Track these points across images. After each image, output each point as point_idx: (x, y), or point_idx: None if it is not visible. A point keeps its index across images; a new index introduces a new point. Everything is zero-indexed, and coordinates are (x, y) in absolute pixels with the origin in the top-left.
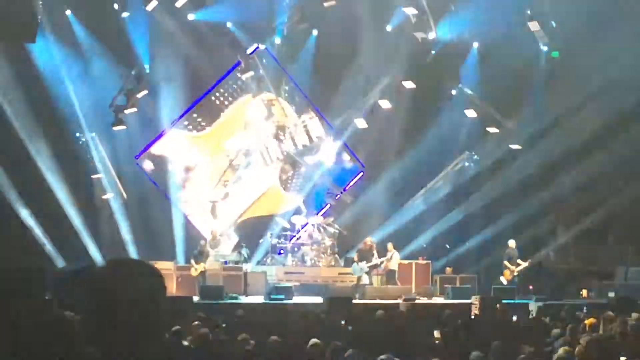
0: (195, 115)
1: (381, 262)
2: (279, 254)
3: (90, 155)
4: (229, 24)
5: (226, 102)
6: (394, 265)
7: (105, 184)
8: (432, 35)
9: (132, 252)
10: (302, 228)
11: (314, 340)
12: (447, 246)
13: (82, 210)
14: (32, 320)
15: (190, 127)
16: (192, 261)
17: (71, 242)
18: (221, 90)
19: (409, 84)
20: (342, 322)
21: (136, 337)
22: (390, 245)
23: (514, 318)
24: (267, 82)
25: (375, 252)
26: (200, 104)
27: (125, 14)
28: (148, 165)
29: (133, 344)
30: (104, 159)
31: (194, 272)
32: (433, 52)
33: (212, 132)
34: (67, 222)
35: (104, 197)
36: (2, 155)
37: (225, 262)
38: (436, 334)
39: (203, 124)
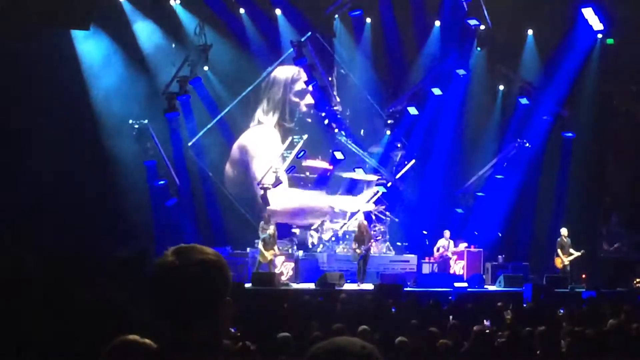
0: (246, 102)
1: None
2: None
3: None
4: (277, 11)
5: (277, 90)
6: (449, 253)
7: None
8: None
9: (184, 239)
10: (352, 215)
11: (362, 327)
12: (499, 234)
13: (136, 197)
14: (90, 307)
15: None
16: (261, 247)
17: (126, 228)
18: (271, 78)
19: (437, 91)
20: (393, 309)
21: (197, 324)
22: (447, 233)
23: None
24: (319, 70)
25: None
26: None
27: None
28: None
29: (194, 331)
30: (158, 145)
31: (261, 258)
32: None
33: (263, 119)
34: (120, 208)
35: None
36: (55, 142)
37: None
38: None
39: (254, 110)
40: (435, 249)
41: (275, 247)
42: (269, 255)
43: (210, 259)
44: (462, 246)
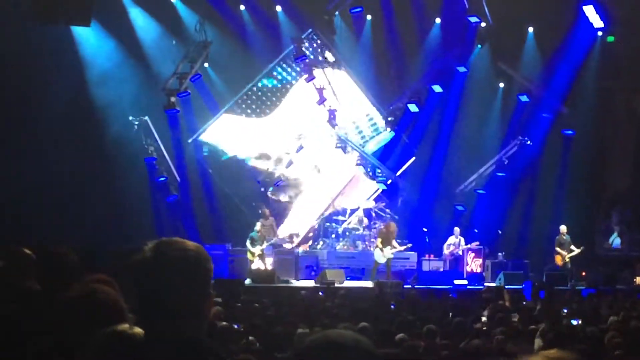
0: (246, 98)
1: (405, 249)
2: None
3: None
4: (278, 8)
5: (278, 87)
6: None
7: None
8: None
9: (185, 235)
10: (352, 212)
11: (362, 324)
12: (499, 231)
13: (137, 193)
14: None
15: (240, 111)
16: (248, 244)
17: (127, 224)
18: (273, 74)
19: (437, 88)
20: (392, 306)
21: (174, 318)
22: (457, 230)
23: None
24: (320, 66)
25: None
26: (252, 89)
27: None
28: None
29: (171, 326)
30: (158, 141)
31: (250, 256)
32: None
33: (263, 116)
34: (122, 203)
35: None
36: (56, 138)
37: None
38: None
39: (253, 107)
40: (445, 246)
41: (264, 244)
42: (256, 251)
43: (190, 254)
44: (474, 245)
